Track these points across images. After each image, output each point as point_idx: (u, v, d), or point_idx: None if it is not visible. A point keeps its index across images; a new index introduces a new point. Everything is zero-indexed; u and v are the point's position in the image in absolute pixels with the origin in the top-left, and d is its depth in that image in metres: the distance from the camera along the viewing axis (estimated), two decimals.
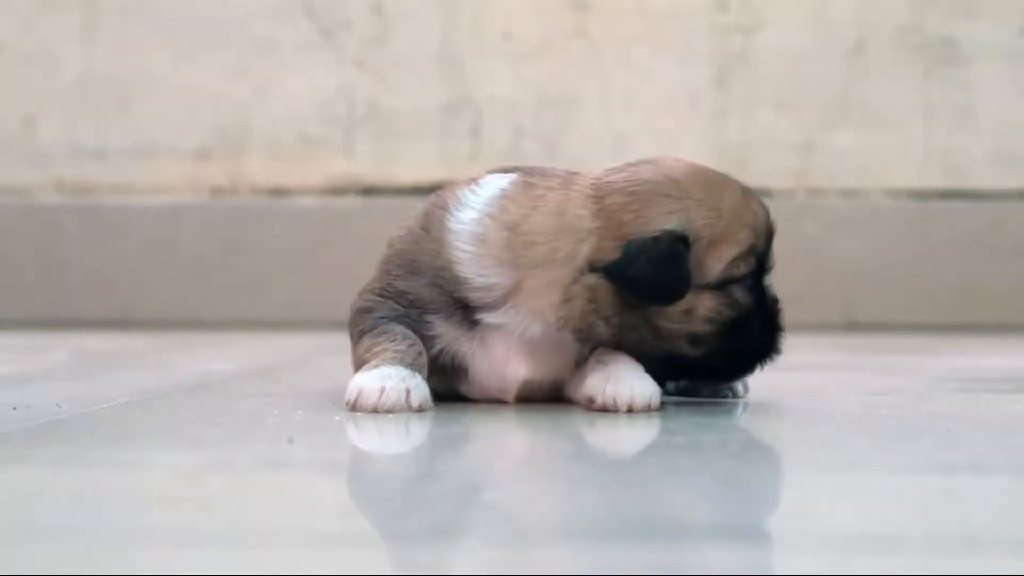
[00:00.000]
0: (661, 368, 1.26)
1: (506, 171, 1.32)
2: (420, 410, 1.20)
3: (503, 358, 1.27)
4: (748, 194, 1.27)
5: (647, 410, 1.22)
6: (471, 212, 1.27)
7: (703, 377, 1.32)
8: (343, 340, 1.43)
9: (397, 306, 1.27)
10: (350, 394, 1.21)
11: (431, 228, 1.28)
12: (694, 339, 1.24)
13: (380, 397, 1.20)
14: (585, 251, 1.23)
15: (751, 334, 1.26)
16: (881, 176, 2.71)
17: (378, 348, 1.24)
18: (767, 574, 0.69)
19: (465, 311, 1.26)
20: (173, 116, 2.77)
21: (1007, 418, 1.24)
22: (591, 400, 1.24)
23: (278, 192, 2.77)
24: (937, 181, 2.71)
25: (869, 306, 2.62)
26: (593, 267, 1.23)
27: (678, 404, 1.27)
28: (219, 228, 2.74)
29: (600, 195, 1.25)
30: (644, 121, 2.73)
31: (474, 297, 1.25)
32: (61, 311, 2.72)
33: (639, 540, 0.74)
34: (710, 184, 1.26)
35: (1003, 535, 0.78)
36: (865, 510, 0.85)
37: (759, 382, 1.33)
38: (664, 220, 1.23)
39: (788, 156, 2.71)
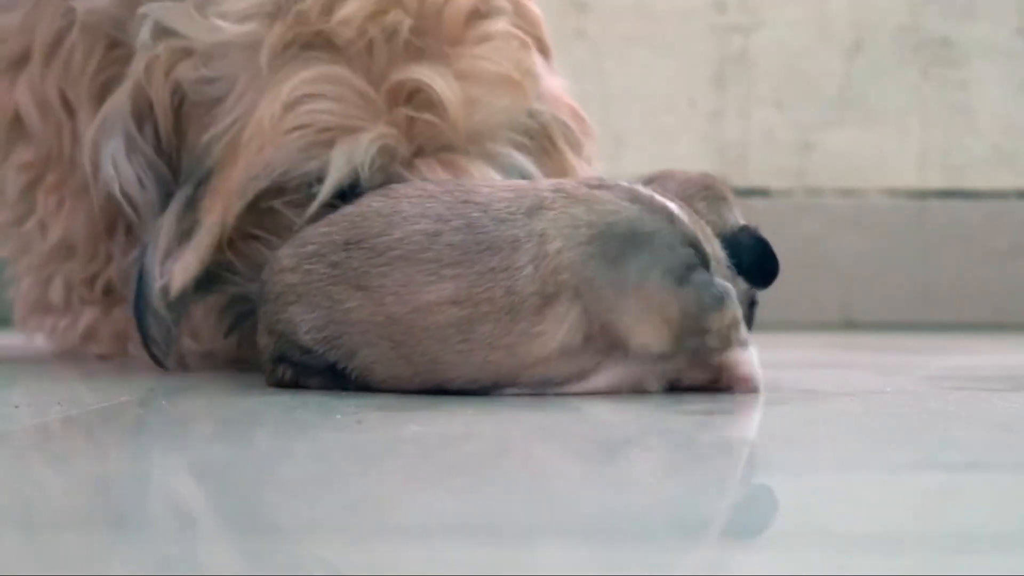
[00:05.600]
0: None
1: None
2: None
3: None
4: None
5: None
6: None
7: None
8: None
9: None
10: None
11: None
12: None
13: None
14: None
15: None
16: (879, 175, 2.71)
17: None
18: (764, 574, 0.69)
19: None
20: None
21: (1005, 416, 1.24)
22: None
23: None
24: (935, 180, 2.71)
25: (867, 305, 2.63)
26: None
27: (675, 402, 1.27)
28: None
29: None
30: (643, 121, 2.73)
31: None
32: None
33: (637, 540, 0.75)
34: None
35: (1002, 532, 0.78)
36: (863, 508, 0.86)
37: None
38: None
39: (786, 155, 2.71)
